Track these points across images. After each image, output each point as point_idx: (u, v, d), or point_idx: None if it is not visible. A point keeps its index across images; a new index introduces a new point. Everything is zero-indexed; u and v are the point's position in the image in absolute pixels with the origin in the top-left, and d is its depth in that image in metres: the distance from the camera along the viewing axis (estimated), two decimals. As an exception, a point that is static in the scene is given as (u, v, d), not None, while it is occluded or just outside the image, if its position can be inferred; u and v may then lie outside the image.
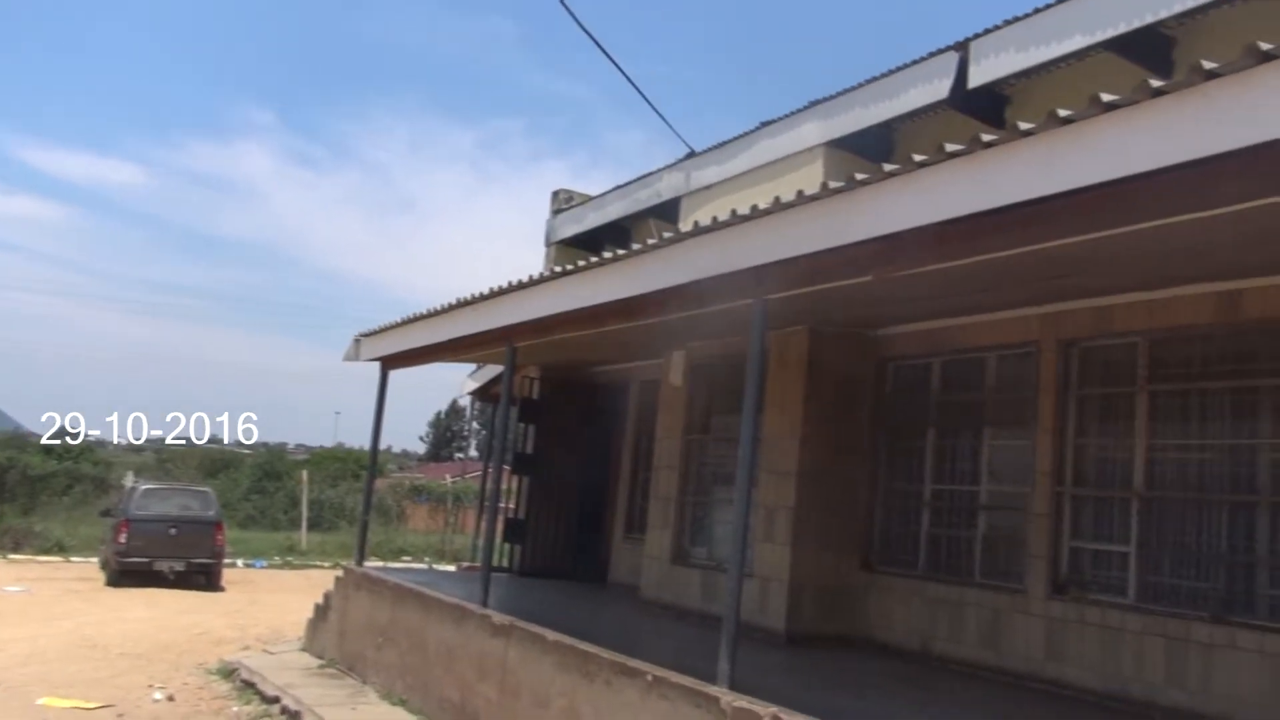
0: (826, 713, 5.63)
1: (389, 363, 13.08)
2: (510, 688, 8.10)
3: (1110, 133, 4.30)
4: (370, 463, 14.66)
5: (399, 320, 12.19)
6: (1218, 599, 6.96)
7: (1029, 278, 7.07)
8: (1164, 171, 4.21)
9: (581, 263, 8.48)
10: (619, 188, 13.86)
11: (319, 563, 26.53)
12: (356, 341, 13.50)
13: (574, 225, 14.86)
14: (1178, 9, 7.19)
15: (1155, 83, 4.09)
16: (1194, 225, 4.74)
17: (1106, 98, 4.27)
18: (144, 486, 22.40)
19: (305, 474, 34.07)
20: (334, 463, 44.64)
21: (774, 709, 5.49)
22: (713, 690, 6.01)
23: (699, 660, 6.60)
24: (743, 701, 5.73)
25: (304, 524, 30.76)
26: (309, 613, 13.83)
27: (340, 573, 13.32)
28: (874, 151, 9.79)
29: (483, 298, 9.96)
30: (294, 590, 20.51)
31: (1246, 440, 6.99)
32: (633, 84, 14.48)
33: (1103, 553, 7.79)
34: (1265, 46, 3.66)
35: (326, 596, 13.26)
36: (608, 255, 8.05)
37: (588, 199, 14.96)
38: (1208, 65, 3.89)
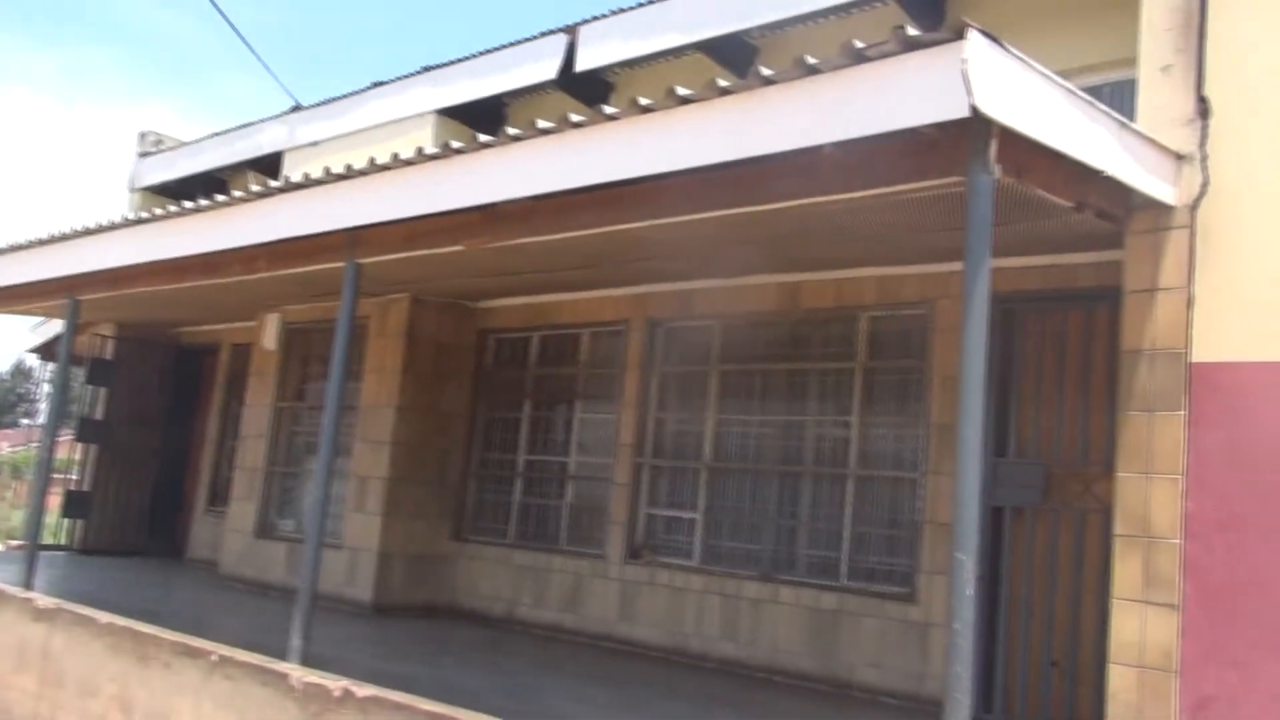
0: (401, 682, 5.58)
1: (-79, 311, 11.24)
2: (52, 677, 7.27)
3: (684, 125, 4.59)
4: (-106, 426, 12.51)
5: (-66, 262, 10.49)
6: (767, 559, 7.74)
7: (618, 259, 7.42)
8: (731, 165, 4.56)
9: (160, 211, 7.76)
10: (216, 135, 12.85)
11: None
12: (-122, 284, 11.45)
13: (163, 171, 13.57)
14: (759, 21, 7.82)
15: (722, 83, 4.40)
16: (757, 218, 5.20)
17: (682, 92, 4.54)
18: None
19: None
20: None
21: (345, 682, 5.35)
22: (282, 667, 5.75)
23: (276, 637, 6.31)
24: (314, 676, 5.53)
25: None
26: None
27: None
28: (486, 123, 9.82)
29: (40, 243, 8.83)
30: None
31: (796, 417, 7.81)
32: (233, 26, 13.46)
33: (675, 519, 8.39)
34: (811, 60, 4.06)
35: None
36: (189, 205, 7.43)
37: (181, 144, 13.73)
38: (766, 72, 4.25)
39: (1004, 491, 6.49)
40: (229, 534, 11.00)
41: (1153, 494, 4.85)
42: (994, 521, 6.51)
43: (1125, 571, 4.89)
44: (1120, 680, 4.81)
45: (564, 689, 6.58)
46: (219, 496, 12.40)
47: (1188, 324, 4.90)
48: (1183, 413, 4.82)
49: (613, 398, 8.88)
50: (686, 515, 8.29)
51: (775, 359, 8.02)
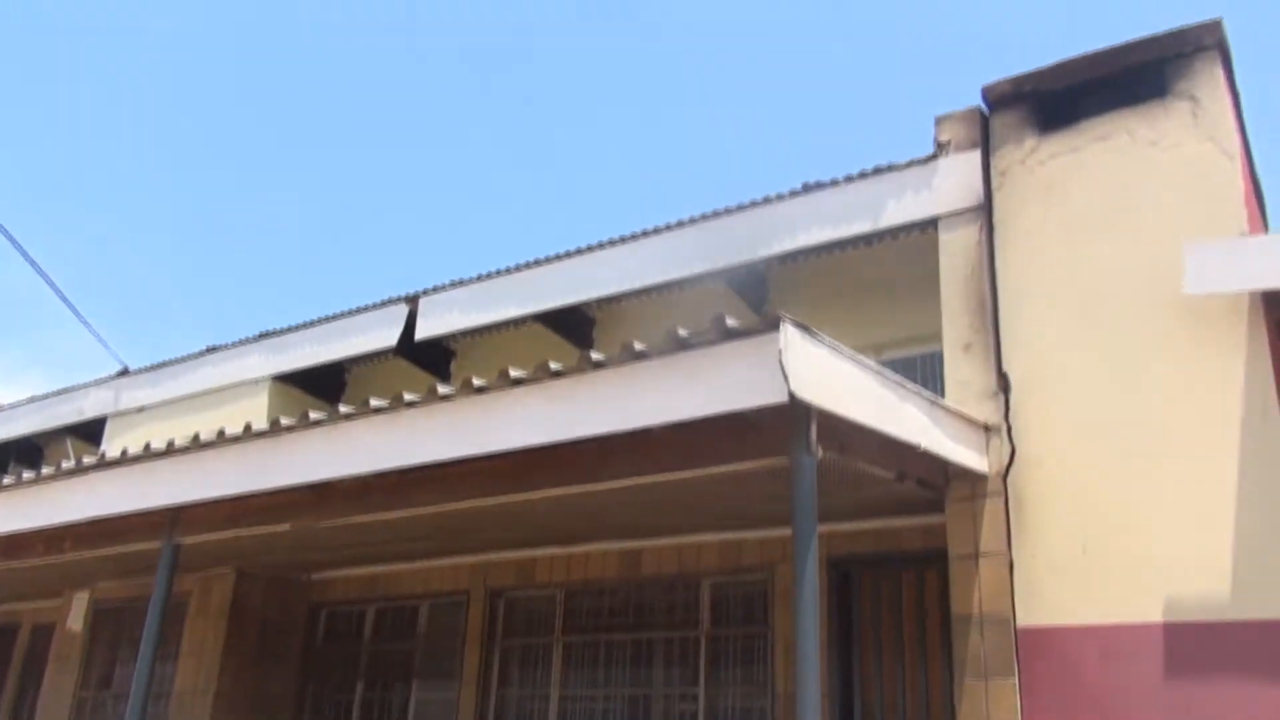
0: None
1: None
2: None
3: (517, 405, 4.62)
4: None
5: None
6: None
7: (455, 531, 7.24)
8: (563, 444, 4.59)
9: (-42, 487, 7.22)
10: (35, 399, 12.27)
11: None
12: None
13: (-28, 438, 12.76)
14: (596, 295, 8.11)
15: (554, 365, 4.49)
16: (591, 494, 5.19)
17: (514, 373, 4.60)
18: None
19: None
20: None
21: None
22: None
23: None
24: None
25: None
26: None
27: None
28: (324, 390, 9.73)
29: None
30: None
31: (643, 689, 7.55)
32: (53, 285, 13.25)
33: (518, 807, 7.83)
34: (638, 346, 4.20)
35: None
36: (-7, 481, 6.96)
37: (-5, 408, 13.02)
38: (596, 356, 4.36)
39: (854, 763, 6.35)
40: None
41: (996, 765, 4.81)
42: (846, 795, 6.33)
43: None
44: None
45: None
46: (2, 803, 10.96)
47: (1011, 589, 5.05)
48: (1014, 679, 4.88)
49: (452, 674, 8.43)
50: (531, 802, 7.75)
51: (619, 628, 7.82)
